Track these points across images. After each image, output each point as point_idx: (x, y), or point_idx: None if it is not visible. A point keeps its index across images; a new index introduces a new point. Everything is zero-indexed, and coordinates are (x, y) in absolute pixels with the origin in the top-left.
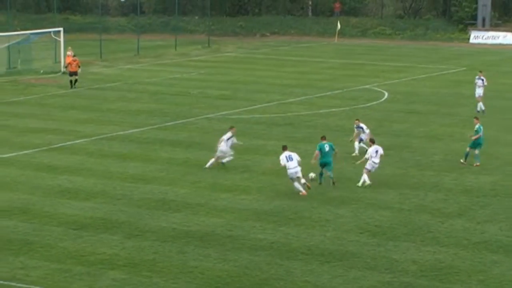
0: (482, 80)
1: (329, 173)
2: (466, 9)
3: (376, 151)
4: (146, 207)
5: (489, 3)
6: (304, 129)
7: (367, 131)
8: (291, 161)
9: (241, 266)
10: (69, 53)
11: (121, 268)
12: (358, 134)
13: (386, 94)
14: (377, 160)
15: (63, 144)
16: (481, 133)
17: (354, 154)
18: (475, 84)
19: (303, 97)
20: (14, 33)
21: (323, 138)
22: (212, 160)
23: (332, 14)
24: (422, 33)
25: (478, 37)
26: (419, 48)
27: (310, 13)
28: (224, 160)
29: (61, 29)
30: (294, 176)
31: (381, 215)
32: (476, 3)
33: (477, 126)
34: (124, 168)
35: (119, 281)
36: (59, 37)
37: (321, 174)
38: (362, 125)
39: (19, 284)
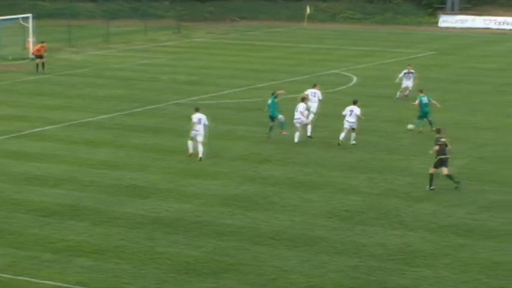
0: (412, 73)
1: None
2: None
3: (351, 111)
4: (115, 193)
5: None
6: None
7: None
8: (199, 124)
9: (209, 251)
10: (32, 39)
11: (89, 255)
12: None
13: (355, 78)
14: (351, 119)
15: (31, 130)
16: (423, 101)
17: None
18: (404, 76)
19: (272, 82)
20: None
21: (273, 93)
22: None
23: None
24: (391, 17)
25: (447, 21)
26: (388, 33)
27: None
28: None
29: (30, 15)
30: (195, 137)
31: (349, 200)
32: None
33: (419, 97)
34: (93, 154)
35: (87, 268)
36: (28, 23)
37: (270, 128)
38: (315, 90)
39: None
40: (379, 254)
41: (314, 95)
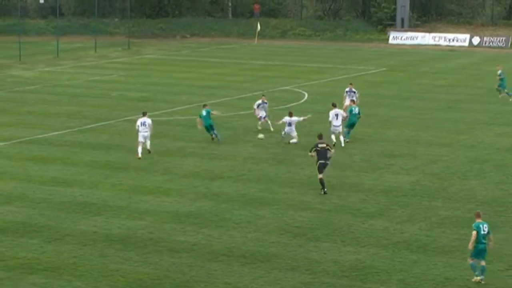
0: (354, 92)
1: (215, 132)
2: (385, 10)
3: (336, 115)
4: (66, 210)
5: (407, 4)
6: (225, 130)
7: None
8: (143, 126)
9: (162, 268)
10: None
11: (42, 272)
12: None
13: (306, 95)
14: (337, 123)
15: None
16: (353, 111)
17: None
18: (347, 94)
19: (223, 99)
20: None
21: (205, 105)
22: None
23: (252, 16)
24: (341, 34)
25: (397, 37)
26: (339, 49)
27: (230, 15)
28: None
29: None
30: (142, 139)
31: (301, 216)
32: (395, 4)
33: (350, 107)
34: (44, 171)
35: (39, 286)
36: None
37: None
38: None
39: None
40: (333, 270)
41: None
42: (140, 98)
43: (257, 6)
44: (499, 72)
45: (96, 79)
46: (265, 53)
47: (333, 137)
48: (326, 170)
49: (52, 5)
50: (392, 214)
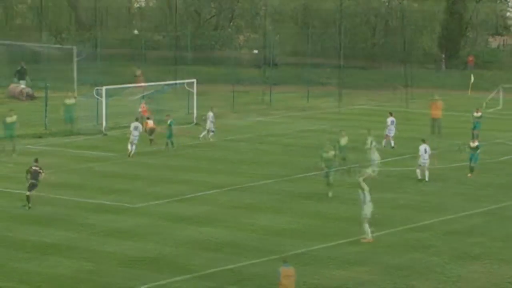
0: (392, 121)
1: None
2: None
3: (425, 149)
4: (275, 259)
5: None
6: (436, 182)
7: None
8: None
9: None
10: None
11: None
12: None
13: None
14: (425, 157)
15: (194, 194)
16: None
17: None
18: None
19: (436, 151)
20: (148, 84)
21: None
22: None
23: (465, 68)
24: None
25: None
26: None
27: (443, 66)
28: None
29: (194, 80)
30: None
31: None
32: None
33: None
34: (254, 219)
35: None
36: (192, 88)
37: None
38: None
39: None
40: None
41: None
42: (351, 148)
43: (471, 58)
44: (479, 114)
45: (307, 129)
46: (478, 105)
47: (417, 171)
48: (35, 189)
49: (266, 55)
50: None
